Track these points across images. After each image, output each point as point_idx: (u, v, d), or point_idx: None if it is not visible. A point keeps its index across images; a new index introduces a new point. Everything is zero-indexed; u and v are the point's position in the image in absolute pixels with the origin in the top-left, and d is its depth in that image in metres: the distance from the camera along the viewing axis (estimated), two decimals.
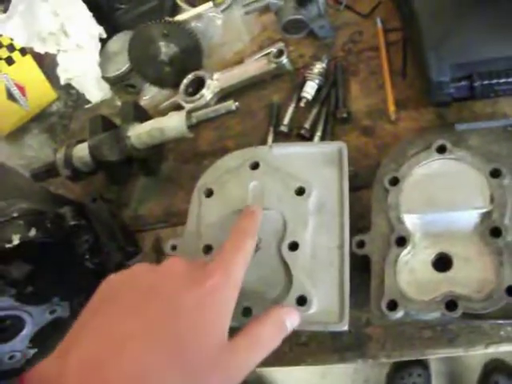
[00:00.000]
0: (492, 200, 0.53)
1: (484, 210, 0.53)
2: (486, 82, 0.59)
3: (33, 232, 0.63)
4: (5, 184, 0.71)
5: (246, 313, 0.56)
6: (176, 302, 0.44)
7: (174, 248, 0.65)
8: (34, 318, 0.67)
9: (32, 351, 0.68)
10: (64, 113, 1.08)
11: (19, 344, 0.66)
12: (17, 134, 1.08)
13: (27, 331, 0.67)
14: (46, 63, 1.06)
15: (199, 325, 0.43)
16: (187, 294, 0.45)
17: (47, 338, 0.68)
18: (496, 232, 0.51)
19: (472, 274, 0.51)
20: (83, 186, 0.91)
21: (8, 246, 0.61)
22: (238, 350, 0.45)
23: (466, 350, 0.54)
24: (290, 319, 0.49)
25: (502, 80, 0.58)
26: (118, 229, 0.79)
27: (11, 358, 0.66)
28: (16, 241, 0.61)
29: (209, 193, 0.66)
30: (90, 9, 0.97)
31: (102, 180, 0.89)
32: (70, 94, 1.08)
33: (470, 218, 0.54)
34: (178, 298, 0.44)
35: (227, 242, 0.51)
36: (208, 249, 0.61)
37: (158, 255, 0.78)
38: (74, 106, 1.07)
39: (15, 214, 0.63)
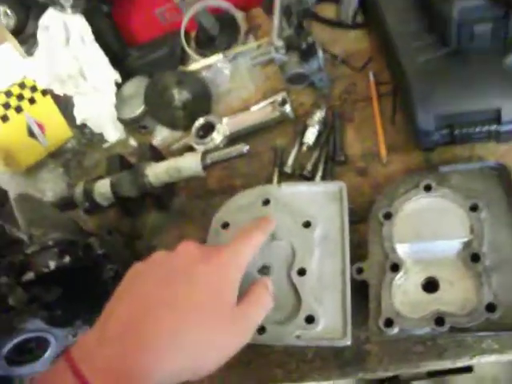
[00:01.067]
0: (472, 231, 0.61)
1: (465, 240, 0.61)
2: (464, 131, 0.67)
3: (67, 259, 0.68)
4: (38, 214, 0.76)
5: (260, 331, 0.63)
6: (190, 274, 0.54)
7: None
8: (58, 340, 0.71)
9: None
10: (78, 150, 1.13)
11: (40, 366, 0.70)
12: (34, 169, 1.13)
13: (50, 353, 0.71)
14: (63, 103, 1.11)
15: (211, 292, 0.54)
16: (198, 268, 0.55)
17: None
18: (476, 258, 0.59)
19: (456, 294, 0.59)
20: (96, 219, 0.97)
21: (45, 270, 0.67)
22: (247, 311, 0.56)
23: (453, 362, 0.61)
24: (270, 284, 0.61)
25: (478, 129, 0.66)
26: (133, 258, 0.86)
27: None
28: (52, 266, 0.67)
29: (225, 225, 0.73)
30: (106, 55, 1.04)
31: (115, 214, 0.95)
32: (83, 132, 1.13)
33: (453, 246, 0.62)
34: (192, 271, 0.55)
35: (239, 232, 0.62)
36: None
37: None
38: (87, 144, 1.13)
39: (50, 243, 0.69)
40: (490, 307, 0.56)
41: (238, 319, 0.55)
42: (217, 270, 0.55)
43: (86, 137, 1.14)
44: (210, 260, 0.56)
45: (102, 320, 0.53)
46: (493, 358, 0.60)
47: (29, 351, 0.70)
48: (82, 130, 1.14)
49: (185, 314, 0.51)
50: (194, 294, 0.53)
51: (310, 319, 0.62)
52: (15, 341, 0.66)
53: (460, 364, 0.61)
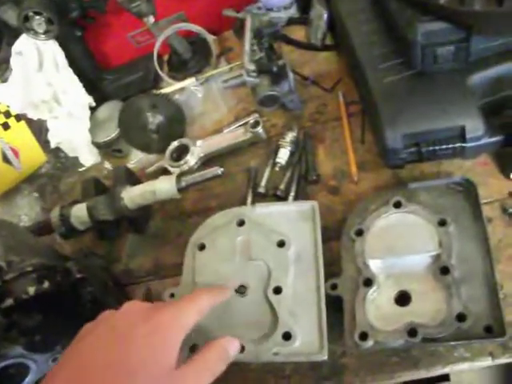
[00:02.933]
0: (440, 244, 0.64)
1: (434, 253, 0.63)
2: (430, 148, 0.69)
3: (46, 284, 0.68)
4: (15, 241, 0.75)
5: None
6: (129, 336, 0.52)
7: (172, 295, 0.72)
8: (38, 366, 0.70)
9: None
10: (53, 174, 1.14)
11: None
12: (8, 194, 1.13)
13: (30, 379, 0.70)
14: (36, 128, 1.12)
15: (147, 355, 0.50)
16: (138, 329, 0.52)
17: None
18: (445, 270, 0.62)
19: (428, 306, 0.61)
20: (71, 243, 0.97)
21: (25, 296, 0.66)
22: (187, 375, 0.51)
23: (427, 372, 0.63)
24: (231, 346, 0.56)
25: (443, 146, 0.69)
26: (110, 281, 0.86)
27: None
28: (32, 292, 0.67)
29: (201, 247, 0.74)
30: (80, 79, 1.06)
31: (90, 237, 0.95)
32: (58, 157, 1.14)
33: (423, 260, 0.64)
34: (131, 333, 0.52)
35: (187, 294, 0.60)
36: None
37: None
38: (61, 169, 1.14)
39: (29, 269, 0.68)
40: (460, 317, 0.58)
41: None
42: (155, 331, 0.52)
43: (61, 161, 1.15)
44: (150, 320, 0.53)
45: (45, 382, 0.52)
46: (465, 365, 0.62)
47: (8, 377, 0.69)
48: (56, 154, 1.15)
49: (119, 379, 0.49)
50: (130, 357, 0.50)
51: (287, 336, 0.64)
52: None
53: (434, 373, 0.63)
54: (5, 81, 1.06)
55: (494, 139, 0.68)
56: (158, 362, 0.50)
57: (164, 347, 0.51)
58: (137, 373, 0.49)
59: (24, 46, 1.03)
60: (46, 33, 1.00)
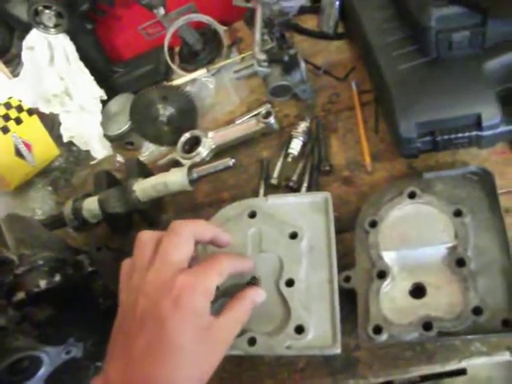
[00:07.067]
0: (456, 236, 0.62)
1: (450, 245, 0.62)
2: (446, 137, 0.67)
3: (57, 278, 0.68)
4: (27, 234, 0.76)
5: (251, 342, 0.63)
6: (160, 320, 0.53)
7: None
8: (51, 359, 0.70)
9: None
10: (65, 168, 1.14)
11: None
12: (22, 188, 1.14)
13: (43, 371, 0.70)
14: (49, 122, 1.13)
15: (183, 312, 0.53)
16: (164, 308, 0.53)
17: (60, 379, 0.72)
18: (461, 262, 0.60)
19: (443, 298, 0.59)
20: (85, 236, 0.97)
21: (36, 290, 0.66)
22: (225, 324, 0.56)
23: (442, 366, 0.61)
24: (257, 295, 0.61)
25: (459, 135, 0.67)
26: None
27: None
28: (43, 285, 0.67)
29: None
30: (91, 72, 1.05)
31: (104, 230, 0.95)
32: (71, 150, 1.14)
33: (438, 251, 0.62)
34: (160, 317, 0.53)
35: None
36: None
37: None
38: (74, 162, 1.14)
39: (40, 262, 0.68)
40: (477, 310, 0.56)
41: (219, 333, 0.55)
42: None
43: (74, 154, 1.15)
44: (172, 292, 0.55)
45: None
46: (481, 360, 0.60)
47: (22, 370, 0.69)
48: (69, 147, 1.15)
49: (162, 356, 0.52)
50: (164, 322, 0.53)
51: (299, 329, 0.63)
52: (8, 361, 0.66)
53: (449, 368, 0.62)
54: (16, 76, 1.07)
55: (511, 127, 0.66)
56: (191, 318, 0.53)
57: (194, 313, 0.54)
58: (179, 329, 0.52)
59: (35, 40, 1.02)
60: (56, 27, 0.99)
